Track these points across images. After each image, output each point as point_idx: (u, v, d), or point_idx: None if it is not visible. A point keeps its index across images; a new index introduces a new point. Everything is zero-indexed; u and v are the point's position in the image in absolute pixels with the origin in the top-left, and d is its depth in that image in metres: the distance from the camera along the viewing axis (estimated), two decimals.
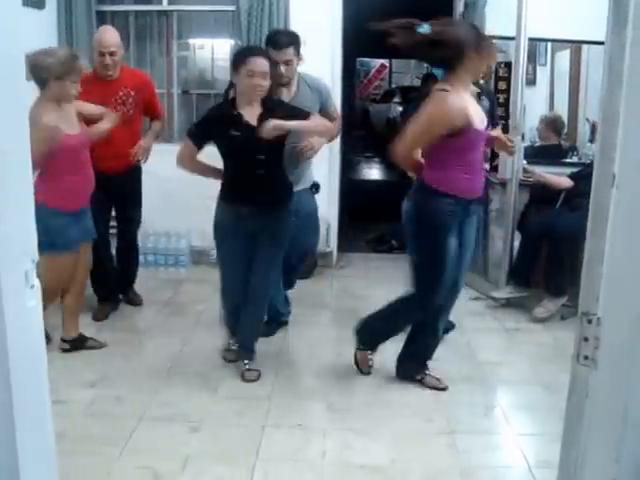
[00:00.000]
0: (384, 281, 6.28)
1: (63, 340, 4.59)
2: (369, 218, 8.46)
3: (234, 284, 4.26)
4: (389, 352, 4.36)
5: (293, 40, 4.43)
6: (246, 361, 4.31)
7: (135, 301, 5.57)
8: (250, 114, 3.95)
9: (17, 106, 1.56)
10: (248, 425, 3.73)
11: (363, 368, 4.35)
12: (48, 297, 4.33)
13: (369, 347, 4.34)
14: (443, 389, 4.17)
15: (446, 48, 3.59)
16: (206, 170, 4.28)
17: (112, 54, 4.72)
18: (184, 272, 6.54)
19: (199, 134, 4.10)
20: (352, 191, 8.69)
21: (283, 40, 4.39)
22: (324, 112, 4.70)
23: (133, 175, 5.20)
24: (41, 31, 5.96)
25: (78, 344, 4.61)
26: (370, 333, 4.30)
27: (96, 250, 4.76)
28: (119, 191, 5.07)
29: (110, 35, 4.82)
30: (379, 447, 3.57)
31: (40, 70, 3.99)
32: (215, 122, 4.09)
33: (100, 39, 4.78)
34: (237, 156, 4.06)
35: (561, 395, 3.97)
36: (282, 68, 4.34)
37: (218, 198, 4.22)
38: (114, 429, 3.65)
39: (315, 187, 4.90)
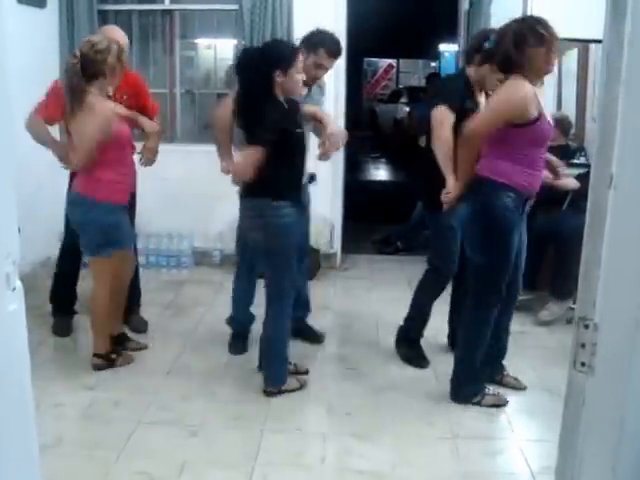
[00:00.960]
0: (389, 283, 6.25)
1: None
2: (375, 219, 8.40)
3: None
4: (389, 351, 4.31)
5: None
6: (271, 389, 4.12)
7: (139, 328, 5.02)
8: None
9: None
10: (246, 429, 3.69)
11: (501, 402, 4.05)
12: (113, 300, 4.32)
13: (480, 389, 4.06)
14: (503, 405, 4.06)
15: None
16: None
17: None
18: (186, 273, 6.49)
19: None
20: (358, 192, 8.64)
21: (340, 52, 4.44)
22: None
23: None
24: (42, 30, 5.93)
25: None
26: (470, 377, 4.03)
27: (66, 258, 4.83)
28: None
29: (122, 34, 4.64)
30: (380, 452, 3.52)
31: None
32: None
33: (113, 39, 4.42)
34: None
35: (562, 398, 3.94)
36: (321, 73, 4.39)
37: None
38: (111, 433, 3.60)
39: (311, 178, 4.86)
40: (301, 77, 3.86)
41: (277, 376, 4.10)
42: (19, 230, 1.57)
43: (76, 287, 4.99)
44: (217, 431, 3.67)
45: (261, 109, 3.75)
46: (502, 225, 3.71)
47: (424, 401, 4.05)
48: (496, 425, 3.89)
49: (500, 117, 3.62)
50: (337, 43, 4.40)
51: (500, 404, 4.03)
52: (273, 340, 4.08)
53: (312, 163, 4.43)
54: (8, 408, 1.57)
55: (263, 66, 3.76)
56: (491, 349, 4.09)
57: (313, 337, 4.86)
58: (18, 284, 1.55)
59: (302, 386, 4.16)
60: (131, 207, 4.51)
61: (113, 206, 4.10)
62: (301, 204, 4.09)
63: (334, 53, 4.35)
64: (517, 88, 3.58)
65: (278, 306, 4.04)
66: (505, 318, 4.11)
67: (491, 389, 4.08)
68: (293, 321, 4.29)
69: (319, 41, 4.29)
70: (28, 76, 4.88)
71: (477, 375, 4.03)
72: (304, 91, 4.26)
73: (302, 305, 4.78)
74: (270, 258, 3.98)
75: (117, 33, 4.62)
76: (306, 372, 4.34)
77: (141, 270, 5.28)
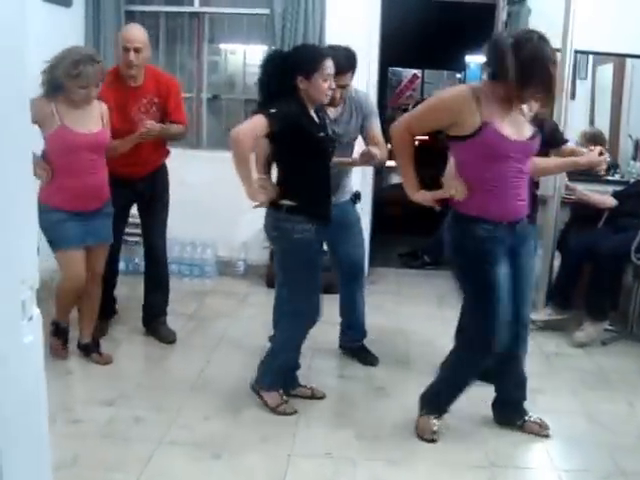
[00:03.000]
0: (418, 299, 6.10)
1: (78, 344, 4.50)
2: (400, 231, 8.23)
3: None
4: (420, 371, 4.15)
5: (353, 63, 4.19)
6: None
7: (164, 338, 4.89)
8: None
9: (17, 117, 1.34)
10: (273, 453, 3.50)
11: (425, 435, 3.72)
12: (62, 299, 4.30)
13: (432, 412, 3.78)
14: (545, 436, 3.80)
15: None
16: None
17: (137, 50, 4.40)
18: (209, 283, 6.35)
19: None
20: (384, 202, 8.46)
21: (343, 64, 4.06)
22: (366, 131, 4.40)
23: (156, 180, 4.84)
24: (68, 29, 5.82)
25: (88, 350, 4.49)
26: (433, 397, 3.80)
27: None
28: (142, 198, 4.82)
29: (136, 30, 4.52)
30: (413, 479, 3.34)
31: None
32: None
33: (125, 34, 4.49)
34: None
35: (607, 427, 3.77)
36: (338, 92, 4.09)
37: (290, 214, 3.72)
38: (130, 453, 3.42)
39: (356, 197, 4.63)
40: (327, 85, 3.67)
41: (263, 377, 4.00)
42: (38, 250, 1.38)
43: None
44: (241, 454, 3.48)
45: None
46: (473, 258, 3.47)
47: (458, 425, 3.85)
48: (534, 453, 3.71)
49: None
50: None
51: (543, 435, 3.80)
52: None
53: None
54: (23, 449, 1.38)
55: (285, 70, 3.61)
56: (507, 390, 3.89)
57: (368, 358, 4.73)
58: (36, 312, 1.37)
59: (291, 414, 3.94)
60: None
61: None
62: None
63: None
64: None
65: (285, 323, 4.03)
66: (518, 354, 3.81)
67: (532, 417, 3.85)
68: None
69: None
70: None
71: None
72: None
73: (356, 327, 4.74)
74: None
75: (134, 28, 4.63)
76: (322, 397, 4.16)
77: None
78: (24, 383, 1.38)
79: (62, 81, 3.97)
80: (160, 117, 4.62)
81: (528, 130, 3.36)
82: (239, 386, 4.19)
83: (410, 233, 7.85)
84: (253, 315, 5.43)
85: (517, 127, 3.32)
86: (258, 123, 3.53)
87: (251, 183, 3.64)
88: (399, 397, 4.20)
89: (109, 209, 4.37)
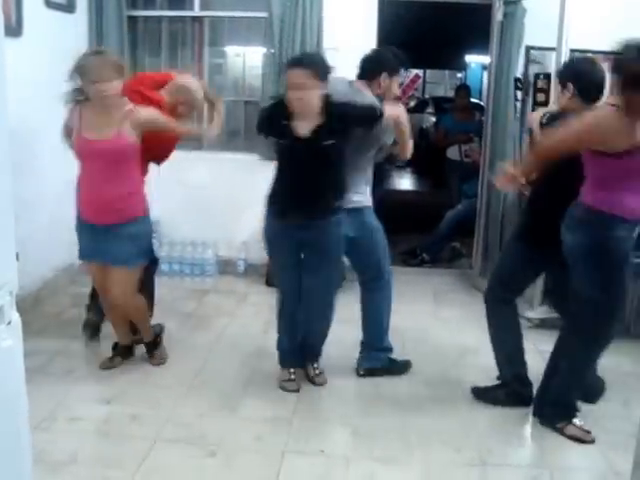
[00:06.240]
0: (414, 297, 6.10)
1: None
2: (399, 230, 8.25)
3: (290, 298, 4.24)
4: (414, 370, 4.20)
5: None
6: (315, 365, 4.40)
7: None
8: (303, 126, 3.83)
9: None
10: (267, 451, 3.55)
11: (587, 438, 3.72)
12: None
13: (570, 415, 3.82)
14: (590, 442, 3.73)
15: None
16: None
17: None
18: (210, 282, 6.41)
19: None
20: (383, 201, 8.51)
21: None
22: None
23: None
24: (71, 35, 5.87)
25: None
26: (559, 403, 3.82)
27: None
28: None
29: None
30: (406, 478, 3.39)
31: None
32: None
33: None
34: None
35: (601, 426, 3.77)
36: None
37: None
38: (127, 451, 3.48)
39: None
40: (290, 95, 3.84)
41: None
42: (17, 257, 1.42)
43: None
44: (236, 452, 3.54)
45: None
46: (615, 259, 3.52)
47: (451, 425, 3.90)
48: (527, 451, 3.77)
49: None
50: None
51: (585, 440, 3.73)
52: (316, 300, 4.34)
53: None
54: (2, 452, 1.40)
55: None
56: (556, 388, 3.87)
57: None
58: (15, 317, 1.40)
59: None
60: None
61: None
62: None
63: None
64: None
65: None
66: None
67: (579, 422, 3.80)
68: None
69: None
70: (55, 81, 4.78)
71: (569, 401, 3.84)
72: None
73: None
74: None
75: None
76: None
77: (165, 278, 5.16)
78: (2, 387, 1.40)
79: (81, 84, 3.87)
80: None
81: None
82: (235, 384, 4.27)
83: (409, 232, 7.86)
84: (252, 314, 5.47)
85: None
86: None
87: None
88: (393, 396, 4.24)
89: (133, 230, 4.08)
